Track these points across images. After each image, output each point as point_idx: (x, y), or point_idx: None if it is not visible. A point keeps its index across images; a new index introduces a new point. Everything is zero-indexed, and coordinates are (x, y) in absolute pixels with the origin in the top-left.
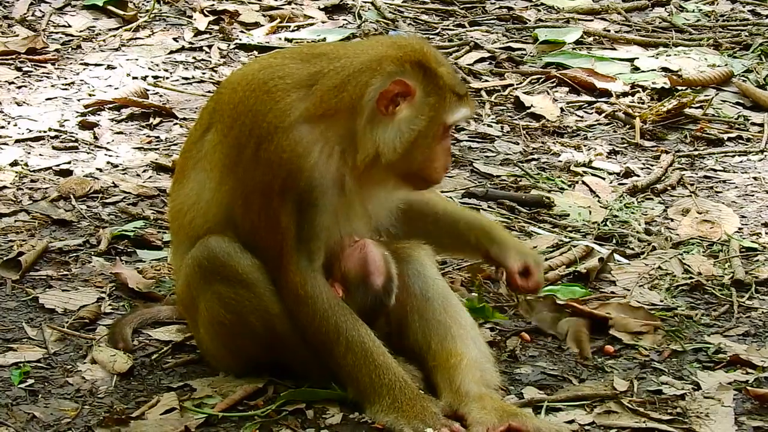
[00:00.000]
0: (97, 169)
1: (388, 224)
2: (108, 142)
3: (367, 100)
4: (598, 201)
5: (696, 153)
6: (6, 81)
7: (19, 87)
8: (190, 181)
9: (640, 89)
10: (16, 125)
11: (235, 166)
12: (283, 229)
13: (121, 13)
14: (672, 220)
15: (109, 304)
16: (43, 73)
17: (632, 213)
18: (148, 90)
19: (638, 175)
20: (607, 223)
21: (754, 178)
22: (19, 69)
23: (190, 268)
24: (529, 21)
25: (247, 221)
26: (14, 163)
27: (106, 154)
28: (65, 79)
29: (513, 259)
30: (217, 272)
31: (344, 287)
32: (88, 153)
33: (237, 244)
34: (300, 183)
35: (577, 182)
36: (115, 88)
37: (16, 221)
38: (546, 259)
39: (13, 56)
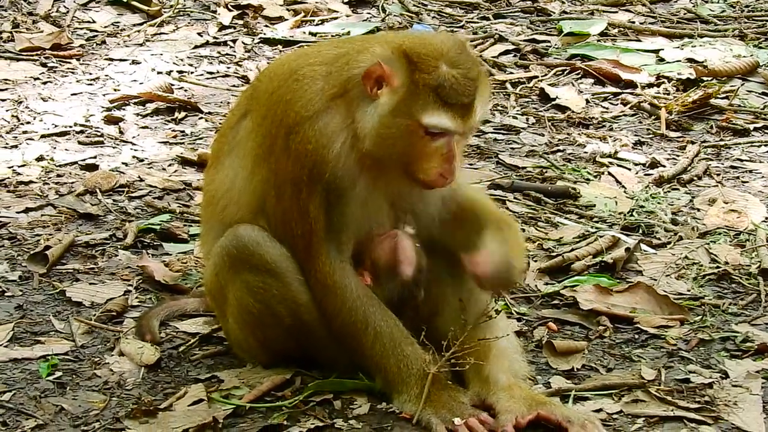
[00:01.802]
0: (123, 163)
1: (430, 223)
2: (133, 137)
3: (354, 78)
4: (624, 191)
5: (722, 143)
6: (31, 77)
7: (45, 83)
8: (225, 168)
9: (666, 80)
10: (41, 120)
11: (268, 155)
12: (312, 219)
13: (145, 8)
14: (698, 209)
15: (136, 297)
16: (68, 68)
17: (658, 203)
18: (173, 85)
19: (664, 166)
20: (634, 213)
21: None
22: (44, 65)
23: (218, 257)
24: (554, 13)
25: (278, 211)
26: (40, 158)
27: (131, 149)
28: (90, 74)
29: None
30: (246, 261)
31: (374, 276)
32: (113, 147)
33: (266, 233)
34: (326, 174)
35: (602, 173)
36: (140, 83)
37: (42, 215)
38: (572, 250)
39: (38, 52)
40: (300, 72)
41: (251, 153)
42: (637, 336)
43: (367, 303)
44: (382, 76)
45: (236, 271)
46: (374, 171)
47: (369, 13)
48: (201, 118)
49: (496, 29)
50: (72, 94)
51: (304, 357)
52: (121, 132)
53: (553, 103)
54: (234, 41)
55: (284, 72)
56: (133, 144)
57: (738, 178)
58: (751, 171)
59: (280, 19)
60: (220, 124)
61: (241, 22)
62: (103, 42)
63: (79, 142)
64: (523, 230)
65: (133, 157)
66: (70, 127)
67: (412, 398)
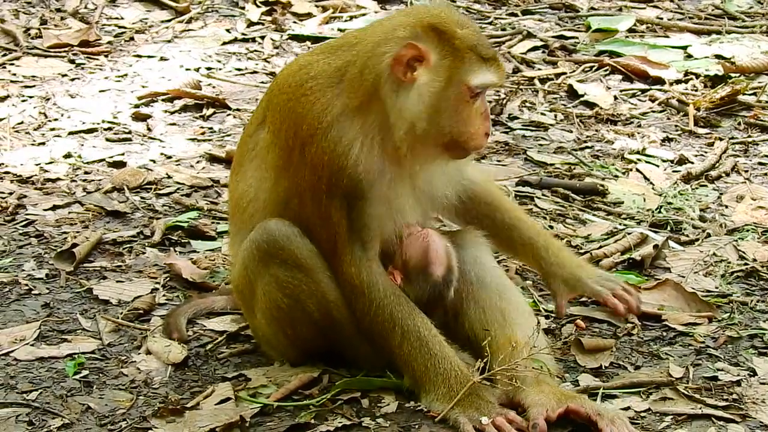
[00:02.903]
0: (151, 160)
1: (445, 211)
2: (161, 134)
3: (384, 70)
4: (653, 188)
5: (750, 140)
6: (59, 74)
7: (73, 79)
8: (248, 177)
9: (694, 76)
10: (69, 117)
11: (288, 166)
12: (335, 224)
13: (174, 4)
14: (726, 206)
15: (164, 295)
16: (96, 65)
17: (686, 200)
18: (201, 81)
19: (692, 162)
20: (662, 210)
21: None
22: (72, 61)
23: (248, 251)
24: (582, 9)
25: (303, 217)
26: (68, 155)
27: (159, 146)
28: (118, 71)
29: (561, 289)
30: (276, 255)
31: (404, 275)
32: (141, 144)
33: (296, 228)
34: (343, 181)
35: (631, 170)
36: (168, 80)
37: (70, 213)
38: (600, 247)
39: (66, 49)
40: (305, 86)
41: (272, 164)
42: (665, 333)
43: (395, 302)
44: (417, 56)
45: (266, 265)
46: (397, 166)
47: (398, 9)
48: (229, 114)
49: (525, 26)
50: (100, 91)
51: (333, 354)
52: (149, 129)
53: (582, 99)
54: (262, 38)
55: (291, 86)
56: (161, 141)
57: (766, 174)
58: None
59: (309, 15)
60: (248, 121)
61: (269, 18)
62: (131, 38)
63: (107, 139)
64: (551, 227)
65: (161, 154)
66: (98, 124)
67: (439, 397)
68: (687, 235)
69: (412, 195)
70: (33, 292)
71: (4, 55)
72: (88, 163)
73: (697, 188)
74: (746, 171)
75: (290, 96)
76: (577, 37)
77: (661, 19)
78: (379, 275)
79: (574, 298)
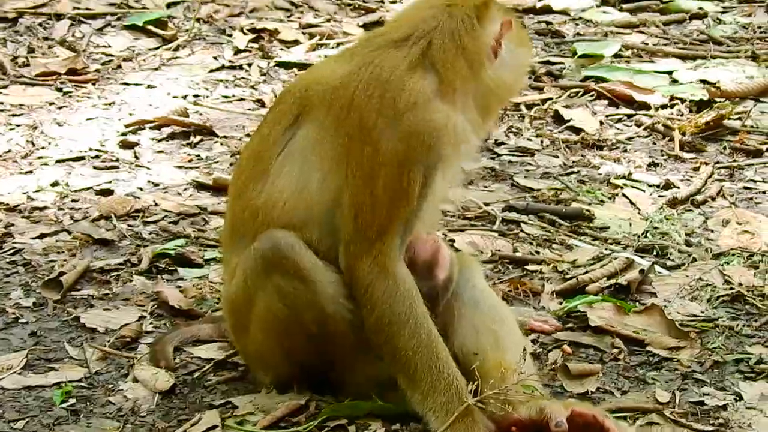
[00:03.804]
0: (138, 188)
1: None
2: (149, 161)
3: (482, 49)
4: (638, 213)
5: (735, 164)
6: (47, 102)
7: (60, 107)
8: (282, 176)
9: (679, 101)
10: (56, 145)
11: (349, 153)
12: (402, 203)
13: (161, 32)
14: (712, 231)
15: (151, 323)
16: (84, 93)
17: (672, 225)
18: (189, 109)
19: (678, 187)
20: (648, 234)
21: None
22: (59, 90)
23: (251, 260)
24: (568, 35)
25: (356, 202)
26: (55, 183)
27: (146, 173)
28: (105, 99)
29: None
30: (279, 264)
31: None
32: (128, 172)
33: (302, 241)
34: (431, 156)
35: (617, 194)
36: (156, 108)
37: (57, 241)
38: (587, 272)
39: (54, 77)
40: (383, 76)
41: (327, 156)
42: (651, 358)
43: (416, 296)
44: (507, 30)
45: (268, 274)
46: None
47: None
48: (216, 142)
49: None
50: (87, 119)
51: (321, 380)
52: (136, 157)
53: (568, 124)
54: (249, 65)
55: (360, 81)
56: (148, 169)
57: (751, 199)
58: (764, 192)
59: (296, 42)
60: (236, 147)
61: (256, 45)
62: (119, 66)
63: (95, 167)
64: (538, 252)
65: (148, 181)
66: (86, 152)
67: (436, 407)
68: (673, 260)
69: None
70: (20, 320)
71: None
72: (75, 191)
73: (682, 213)
74: (731, 195)
75: (364, 88)
76: (563, 63)
77: (647, 44)
78: (405, 268)
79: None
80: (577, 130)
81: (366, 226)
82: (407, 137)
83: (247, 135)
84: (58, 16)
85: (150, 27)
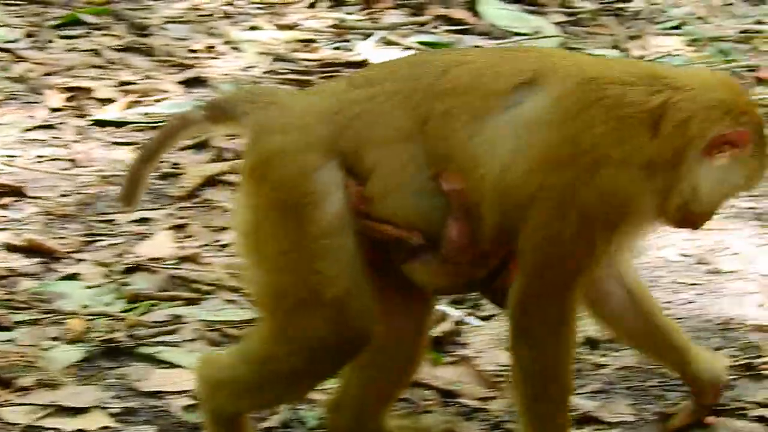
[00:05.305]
0: None
1: None
2: None
3: (701, 137)
4: None
5: None
6: None
7: None
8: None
9: None
10: None
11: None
12: (592, 261)
13: None
14: None
15: None
16: None
17: None
18: (2, 170)
19: None
20: None
21: None
22: None
23: None
24: None
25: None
26: None
27: None
28: None
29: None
30: None
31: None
32: None
33: None
34: (615, 220)
35: None
36: None
37: None
38: None
39: None
40: (619, 111)
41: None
42: (463, 409)
43: (573, 351)
44: (738, 143)
45: None
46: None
47: (201, 92)
48: (29, 203)
49: None
50: None
51: None
52: None
53: None
54: (64, 124)
55: (594, 100)
56: None
57: None
58: None
59: (110, 100)
60: (49, 208)
61: (71, 104)
62: None
63: None
64: None
65: None
66: None
67: None
68: (485, 311)
69: None
70: None
71: None
72: None
73: None
74: None
75: (595, 114)
76: None
77: None
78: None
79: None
80: None
81: (552, 273)
82: (599, 195)
83: (62, 195)
84: None
85: None
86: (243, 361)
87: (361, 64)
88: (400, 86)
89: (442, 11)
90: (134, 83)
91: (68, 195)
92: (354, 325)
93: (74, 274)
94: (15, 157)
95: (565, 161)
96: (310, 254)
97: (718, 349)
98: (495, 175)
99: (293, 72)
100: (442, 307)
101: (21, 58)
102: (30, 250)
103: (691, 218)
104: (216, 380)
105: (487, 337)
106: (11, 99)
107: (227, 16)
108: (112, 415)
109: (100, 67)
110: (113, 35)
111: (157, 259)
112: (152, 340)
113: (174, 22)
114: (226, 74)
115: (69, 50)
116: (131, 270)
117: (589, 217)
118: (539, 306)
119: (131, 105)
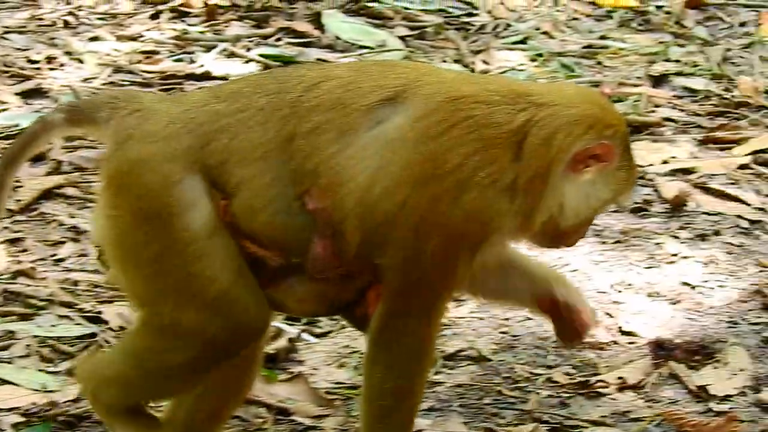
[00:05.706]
0: None
1: None
2: None
3: (566, 154)
4: None
5: None
6: None
7: None
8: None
9: None
10: None
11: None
12: (454, 280)
13: None
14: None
15: None
16: None
17: None
18: None
19: None
20: None
21: None
22: None
23: None
24: None
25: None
26: None
27: None
28: None
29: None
30: None
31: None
32: None
33: None
34: (477, 241)
35: None
36: None
37: None
38: None
39: None
40: (482, 132)
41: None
42: (296, 427)
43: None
44: (604, 157)
45: None
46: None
47: (41, 104)
48: None
49: None
50: None
51: None
52: None
53: None
54: None
55: (461, 125)
56: None
57: None
58: None
59: None
60: None
61: None
62: None
63: None
64: None
65: None
66: None
67: None
68: (321, 327)
69: None
70: None
71: None
72: None
73: None
74: None
75: (460, 136)
76: None
77: None
78: None
79: None
80: None
81: (416, 295)
82: (459, 216)
83: None
84: None
85: None
86: (129, 355)
87: (203, 76)
88: (266, 101)
89: (286, 24)
90: None
91: None
92: (243, 319)
93: None
94: None
95: (427, 181)
96: (184, 259)
97: (553, 366)
98: (358, 194)
99: (134, 84)
100: (278, 323)
101: None
102: None
103: (560, 235)
104: (103, 377)
105: (322, 354)
106: None
107: (69, 26)
108: None
109: None
110: None
111: None
112: None
113: (14, 32)
114: (65, 85)
115: None
116: None
117: (451, 237)
118: (402, 324)
119: None
